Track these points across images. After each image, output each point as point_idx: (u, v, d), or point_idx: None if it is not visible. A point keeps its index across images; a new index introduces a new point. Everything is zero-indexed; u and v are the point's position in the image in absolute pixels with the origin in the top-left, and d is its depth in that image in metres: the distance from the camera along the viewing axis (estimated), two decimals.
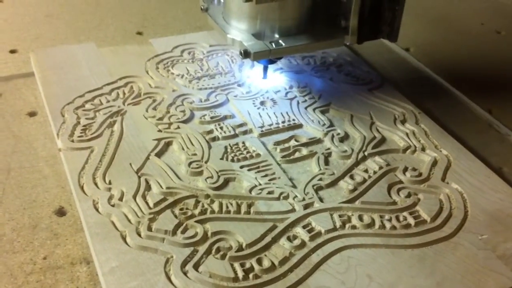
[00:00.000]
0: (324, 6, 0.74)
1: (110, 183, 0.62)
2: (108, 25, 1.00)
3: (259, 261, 0.54)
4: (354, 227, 0.59)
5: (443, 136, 0.72)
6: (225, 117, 0.74)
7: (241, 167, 0.65)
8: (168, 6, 1.07)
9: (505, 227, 0.60)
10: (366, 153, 0.69)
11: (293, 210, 0.60)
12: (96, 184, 0.62)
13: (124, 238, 0.56)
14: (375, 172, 0.66)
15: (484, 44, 1.00)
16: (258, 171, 0.65)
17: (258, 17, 0.71)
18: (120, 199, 0.60)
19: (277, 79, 0.82)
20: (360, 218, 0.60)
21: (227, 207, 0.60)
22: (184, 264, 0.53)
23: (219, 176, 0.64)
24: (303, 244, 0.56)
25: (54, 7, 1.05)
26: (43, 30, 0.97)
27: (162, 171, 0.64)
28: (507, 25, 1.06)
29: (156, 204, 0.60)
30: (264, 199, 0.61)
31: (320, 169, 0.66)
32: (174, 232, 0.56)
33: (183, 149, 0.68)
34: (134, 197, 0.60)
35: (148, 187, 0.62)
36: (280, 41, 0.71)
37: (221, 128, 0.72)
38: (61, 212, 0.61)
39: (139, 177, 0.63)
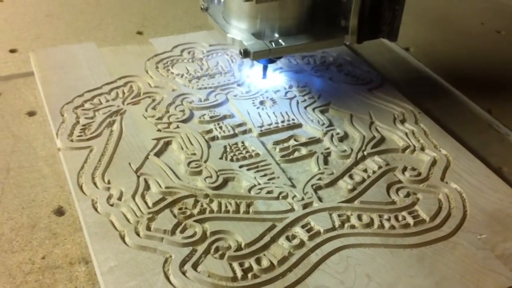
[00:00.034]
0: (324, 6, 0.74)
1: (109, 182, 0.62)
2: (108, 24, 1.00)
3: (258, 261, 0.54)
4: (353, 226, 0.59)
5: (443, 136, 0.72)
6: (225, 117, 0.74)
7: (240, 166, 0.65)
8: (168, 5, 1.07)
9: (504, 227, 0.60)
10: (365, 153, 0.69)
11: (292, 210, 0.60)
12: (95, 183, 0.62)
13: (123, 238, 0.56)
14: (374, 172, 0.66)
15: (484, 44, 1.00)
16: (257, 171, 0.65)
17: (258, 16, 0.71)
18: (119, 198, 0.60)
19: (276, 78, 0.82)
20: (359, 217, 0.60)
21: (226, 206, 0.60)
22: (183, 263, 0.53)
23: (218, 176, 0.64)
24: (302, 244, 0.56)
25: (54, 6, 1.05)
26: (43, 29, 0.97)
27: (161, 170, 0.64)
28: (507, 25, 1.06)
29: (155, 203, 0.60)
30: (263, 199, 0.61)
31: (319, 169, 0.66)
32: (173, 232, 0.56)
33: (182, 148, 0.68)
34: (133, 196, 0.60)
35: (147, 187, 0.62)
36: (280, 40, 0.71)
37: (221, 127, 0.72)
38: (60, 212, 0.61)
39: (138, 177, 0.63)
